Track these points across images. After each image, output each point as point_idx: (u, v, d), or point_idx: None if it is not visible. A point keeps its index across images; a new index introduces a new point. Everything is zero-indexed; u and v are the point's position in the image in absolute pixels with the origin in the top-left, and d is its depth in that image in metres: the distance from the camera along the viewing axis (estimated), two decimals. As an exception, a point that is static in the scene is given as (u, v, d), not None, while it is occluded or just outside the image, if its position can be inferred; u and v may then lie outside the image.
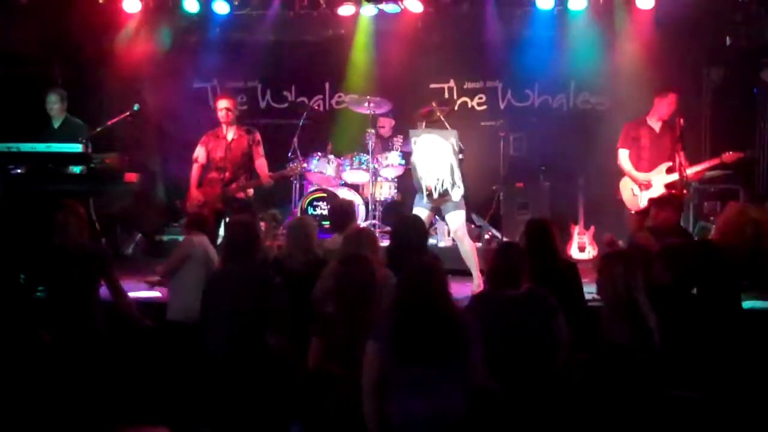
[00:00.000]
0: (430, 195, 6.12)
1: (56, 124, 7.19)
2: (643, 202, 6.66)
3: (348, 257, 4.11)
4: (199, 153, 7.05)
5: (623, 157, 6.90)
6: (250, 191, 7.17)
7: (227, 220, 6.84)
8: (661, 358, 3.84)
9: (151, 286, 5.58)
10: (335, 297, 3.92)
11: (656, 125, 6.82)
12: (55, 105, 7.12)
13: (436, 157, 6.14)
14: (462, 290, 5.54)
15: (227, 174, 6.93)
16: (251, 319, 4.24)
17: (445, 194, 6.11)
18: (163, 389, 4.69)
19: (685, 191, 6.59)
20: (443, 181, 6.10)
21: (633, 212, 6.83)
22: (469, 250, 6.28)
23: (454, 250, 6.49)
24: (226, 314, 4.30)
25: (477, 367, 3.48)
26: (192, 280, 4.95)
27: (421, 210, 6.35)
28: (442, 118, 8.16)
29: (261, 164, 7.08)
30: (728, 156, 6.74)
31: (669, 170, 6.66)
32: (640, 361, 3.82)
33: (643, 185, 6.75)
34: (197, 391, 4.32)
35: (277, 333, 4.24)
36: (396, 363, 3.43)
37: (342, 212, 5.62)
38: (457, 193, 6.13)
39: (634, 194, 6.84)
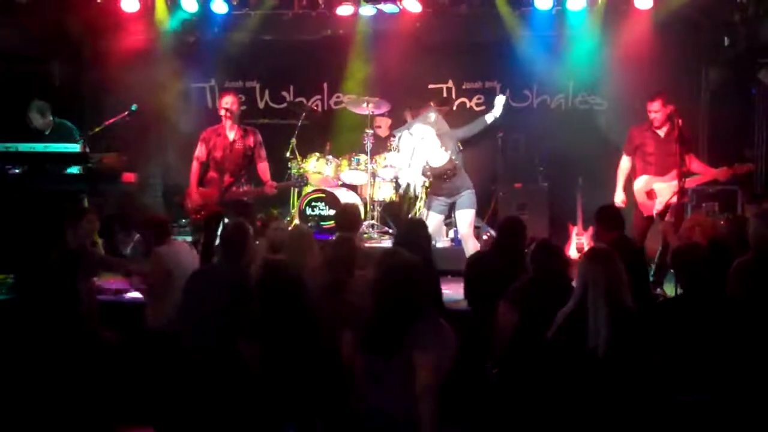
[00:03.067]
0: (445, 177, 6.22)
1: (47, 131, 7.21)
2: (657, 207, 6.58)
3: None
4: (200, 150, 6.96)
5: (623, 164, 6.85)
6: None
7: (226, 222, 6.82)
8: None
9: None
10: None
11: (661, 130, 6.70)
12: (38, 121, 7.12)
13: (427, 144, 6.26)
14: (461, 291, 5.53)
15: (227, 176, 6.86)
16: (225, 320, 4.21)
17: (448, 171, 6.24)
18: (151, 392, 4.69)
19: (684, 193, 6.55)
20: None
21: (645, 216, 6.68)
22: (472, 250, 6.29)
23: (452, 251, 6.52)
24: (200, 311, 4.29)
25: (421, 373, 3.34)
26: (169, 289, 4.91)
27: (434, 215, 6.38)
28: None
29: (263, 168, 7.01)
30: (739, 168, 6.66)
31: (678, 176, 6.47)
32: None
33: (619, 201, 6.69)
34: (181, 392, 4.31)
35: (247, 338, 4.20)
36: (362, 351, 3.47)
37: (347, 215, 5.62)
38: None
39: (648, 198, 6.66)
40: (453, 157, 6.26)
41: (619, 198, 6.78)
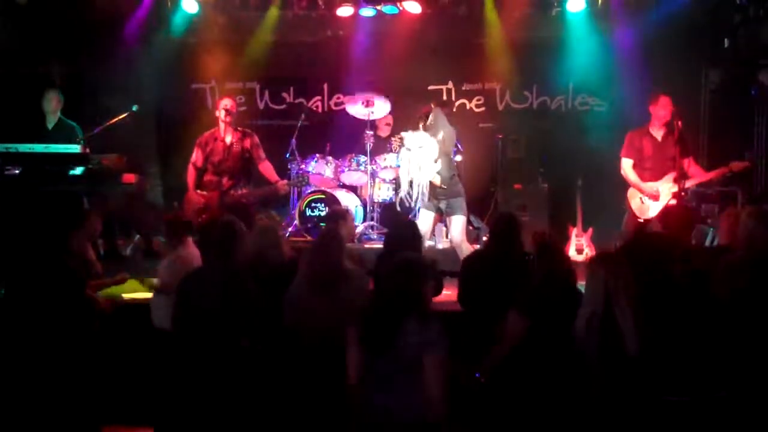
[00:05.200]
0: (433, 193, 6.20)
1: (50, 125, 7.20)
2: (652, 211, 6.56)
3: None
4: (197, 156, 6.98)
5: (627, 166, 6.72)
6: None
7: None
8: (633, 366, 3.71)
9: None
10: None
11: (658, 134, 6.66)
12: (52, 102, 7.14)
13: (423, 158, 6.20)
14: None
15: (225, 179, 6.87)
16: (224, 320, 4.19)
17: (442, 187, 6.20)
18: (149, 391, 4.69)
19: (683, 194, 6.54)
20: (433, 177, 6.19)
21: (642, 220, 6.64)
22: (467, 253, 6.28)
23: (452, 252, 6.48)
24: (199, 314, 4.26)
25: (430, 376, 3.41)
26: None
27: (427, 213, 6.36)
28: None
29: (267, 167, 7.01)
30: (736, 165, 6.65)
31: (675, 179, 6.48)
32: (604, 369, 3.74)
33: (651, 197, 6.59)
34: (179, 393, 4.31)
35: (249, 335, 4.21)
36: (366, 352, 3.49)
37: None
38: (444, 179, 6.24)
39: (643, 203, 6.67)
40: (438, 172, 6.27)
41: (651, 190, 6.62)
